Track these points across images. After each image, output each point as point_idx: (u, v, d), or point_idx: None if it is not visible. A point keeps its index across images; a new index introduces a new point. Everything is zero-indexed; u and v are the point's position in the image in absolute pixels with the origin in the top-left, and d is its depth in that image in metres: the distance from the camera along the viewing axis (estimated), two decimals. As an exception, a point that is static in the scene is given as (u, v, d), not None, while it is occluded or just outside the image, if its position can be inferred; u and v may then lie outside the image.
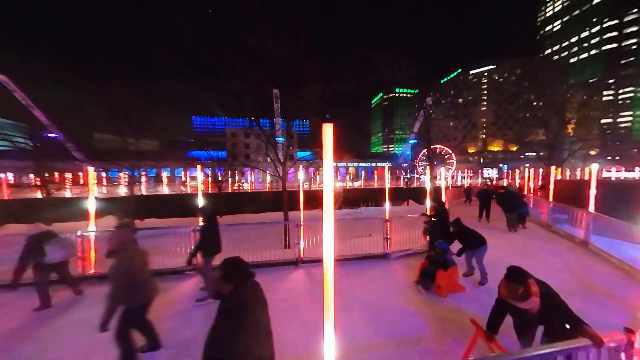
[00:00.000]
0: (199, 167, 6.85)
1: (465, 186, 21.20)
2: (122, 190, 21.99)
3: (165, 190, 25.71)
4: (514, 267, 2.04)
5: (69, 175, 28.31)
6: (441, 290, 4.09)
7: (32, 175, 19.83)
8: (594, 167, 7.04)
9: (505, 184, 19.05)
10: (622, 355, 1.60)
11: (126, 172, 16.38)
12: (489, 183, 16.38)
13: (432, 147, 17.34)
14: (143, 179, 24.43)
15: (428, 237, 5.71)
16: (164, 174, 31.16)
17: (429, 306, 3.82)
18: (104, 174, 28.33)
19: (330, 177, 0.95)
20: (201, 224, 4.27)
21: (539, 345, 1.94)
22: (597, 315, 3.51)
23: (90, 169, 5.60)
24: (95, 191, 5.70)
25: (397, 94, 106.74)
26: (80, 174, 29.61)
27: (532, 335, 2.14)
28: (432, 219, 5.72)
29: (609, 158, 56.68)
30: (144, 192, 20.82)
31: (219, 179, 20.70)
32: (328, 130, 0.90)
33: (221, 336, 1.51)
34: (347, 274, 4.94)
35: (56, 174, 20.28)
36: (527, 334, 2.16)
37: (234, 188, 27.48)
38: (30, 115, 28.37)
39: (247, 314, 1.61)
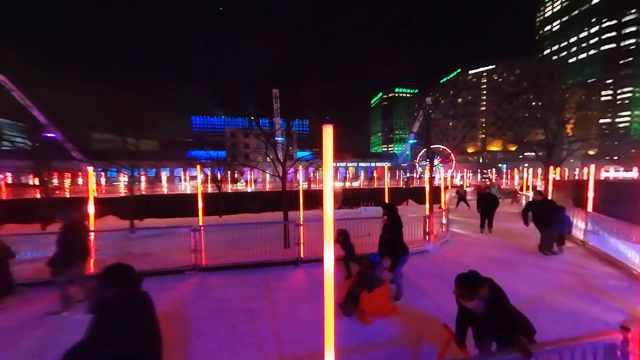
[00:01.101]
0: (198, 167, 6.85)
1: (460, 187, 18.26)
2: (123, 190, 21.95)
3: (164, 190, 25.69)
4: (472, 271, 2.11)
5: (67, 175, 28.24)
6: (364, 315, 3.40)
7: (30, 176, 19.76)
8: (592, 167, 7.09)
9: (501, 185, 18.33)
10: (618, 352, 1.62)
11: (125, 172, 16.35)
12: (488, 183, 15.30)
13: (431, 146, 17.32)
14: (143, 178, 24.38)
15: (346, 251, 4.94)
16: (164, 174, 31.12)
17: (428, 305, 3.84)
18: (102, 174, 28.29)
19: (330, 178, 0.96)
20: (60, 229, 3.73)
21: (536, 343, 1.96)
22: (594, 313, 3.55)
23: (90, 169, 5.59)
24: (95, 191, 5.70)
25: (396, 94, 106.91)
26: (80, 173, 29.56)
27: (489, 344, 2.18)
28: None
29: (607, 158, 56.86)
30: (143, 192, 20.79)
31: (219, 178, 20.70)
32: (328, 132, 0.91)
33: (101, 342, 1.40)
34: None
35: (55, 174, 20.22)
36: (483, 342, 2.19)
37: (245, 187, 27.20)
38: (28, 115, 28.27)
39: (136, 319, 1.55)
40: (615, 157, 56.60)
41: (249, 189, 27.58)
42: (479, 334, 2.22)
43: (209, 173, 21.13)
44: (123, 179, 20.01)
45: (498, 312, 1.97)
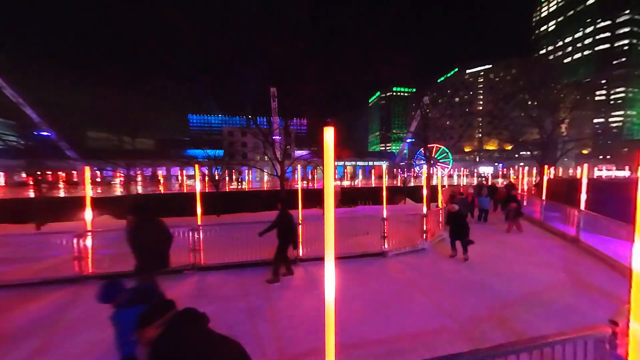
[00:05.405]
0: (196, 166, 6.82)
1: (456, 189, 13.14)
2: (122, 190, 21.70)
3: (161, 188, 25.50)
4: (161, 301, 1.46)
5: (62, 175, 27.85)
6: None
7: (24, 175, 19.45)
8: (586, 166, 7.22)
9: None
10: (607, 345, 1.68)
11: (122, 171, 16.21)
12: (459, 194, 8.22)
13: (429, 145, 17.45)
14: (139, 174, 24.14)
15: None
16: (160, 173, 30.84)
17: (425, 303, 3.90)
18: (98, 173, 27.95)
19: (331, 178, 0.99)
20: None
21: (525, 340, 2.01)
22: (586, 308, 3.65)
23: (87, 169, 5.54)
24: (91, 190, 5.65)
25: (394, 93, 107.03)
26: (74, 172, 29.16)
27: None
28: None
29: (600, 157, 57.82)
30: (140, 191, 20.61)
31: (216, 178, 20.61)
32: (329, 134, 0.93)
33: None
34: (345, 272, 4.99)
35: (49, 173, 19.93)
36: None
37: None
38: (21, 113, 27.75)
39: None
40: (608, 157, 57.56)
41: (245, 187, 27.51)
42: None
43: (206, 172, 21.03)
44: (120, 172, 19.60)
45: None
